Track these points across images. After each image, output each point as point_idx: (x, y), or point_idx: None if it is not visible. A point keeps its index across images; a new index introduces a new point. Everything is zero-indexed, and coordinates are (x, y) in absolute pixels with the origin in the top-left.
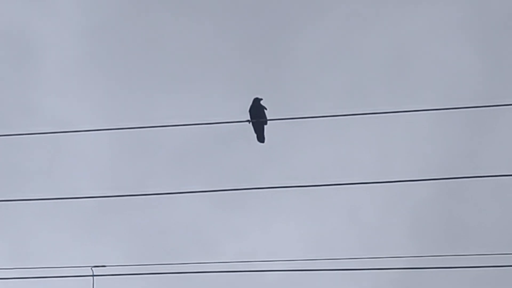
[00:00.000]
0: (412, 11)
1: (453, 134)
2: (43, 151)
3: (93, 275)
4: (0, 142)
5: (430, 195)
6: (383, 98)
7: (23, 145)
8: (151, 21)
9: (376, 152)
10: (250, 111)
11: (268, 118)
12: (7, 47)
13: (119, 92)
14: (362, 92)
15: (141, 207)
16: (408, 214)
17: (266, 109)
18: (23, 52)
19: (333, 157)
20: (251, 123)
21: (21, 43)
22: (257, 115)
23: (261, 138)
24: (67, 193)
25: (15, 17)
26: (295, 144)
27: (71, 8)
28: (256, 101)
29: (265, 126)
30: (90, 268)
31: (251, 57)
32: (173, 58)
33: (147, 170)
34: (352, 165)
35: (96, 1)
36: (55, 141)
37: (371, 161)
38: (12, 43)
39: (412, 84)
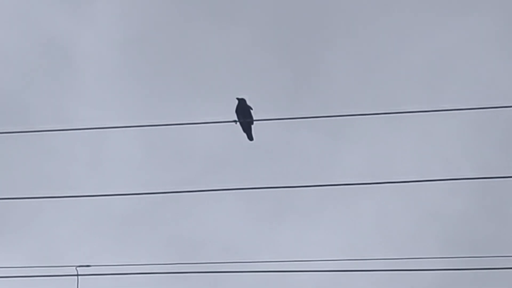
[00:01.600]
0: (448, 24)
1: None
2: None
3: (77, 275)
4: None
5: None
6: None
7: (59, 153)
8: (187, 32)
9: (413, 157)
10: (236, 111)
11: (254, 118)
12: (45, 57)
13: (156, 103)
14: (396, 105)
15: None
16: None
17: (252, 109)
18: (62, 62)
19: (373, 160)
20: (238, 123)
21: (59, 53)
22: (244, 115)
23: (250, 136)
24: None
25: (54, 28)
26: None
27: (109, 20)
28: (242, 101)
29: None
30: (74, 267)
31: (285, 66)
32: (210, 69)
33: (182, 179)
34: (386, 170)
35: (133, 13)
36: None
37: (407, 166)
38: (50, 53)
39: (448, 98)
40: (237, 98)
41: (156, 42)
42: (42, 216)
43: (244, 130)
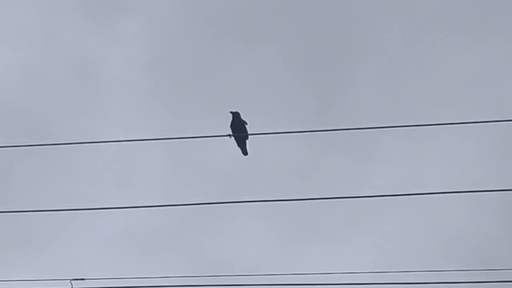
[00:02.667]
0: (479, 41)
1: None
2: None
3: None
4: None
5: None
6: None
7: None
8: (213, 52)
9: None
10: (231, 126)
11: (248, 132)
12: (72, 77)
13: (182, 123)
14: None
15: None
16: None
17: (246, 123)
18: (88, 82)
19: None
20: (233, 137)
21: (86, 73)
22: (239, 130)
23: (244, 151)
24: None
25: (81, 48)
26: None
27: (135, 40)
28: (236, 115)
29: (246, 141)
30: (69, 281)
31: (310, 84)
32: (236, 88)
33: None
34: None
35: (159, 33)
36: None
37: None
38: (77, 73)
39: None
40: (231, 112)
41: (182, 62)
42: (65, 231)
43: (239, 145)
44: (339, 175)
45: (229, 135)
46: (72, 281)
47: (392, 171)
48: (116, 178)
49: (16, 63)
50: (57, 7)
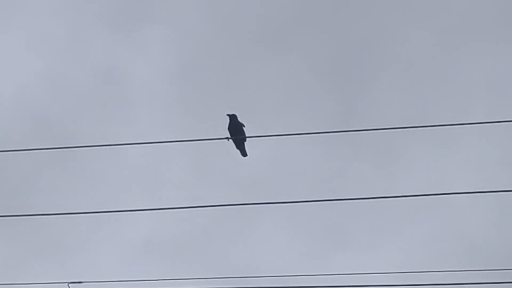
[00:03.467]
0: (509, 42)
1: None
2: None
3: None
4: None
5: None
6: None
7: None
8: (237, 60)
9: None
10: (229, 128)
11: (246, 134)
12: (98, 86)
13: (206, 130)
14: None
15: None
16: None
17: (244, 126)
18: (114, 91)
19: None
20: (231, 140)
21: (111, 82)
22: (236, 132)
23: (243, 153)
24: None
25: (106, 57)
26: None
27: (160, 48)
28: (234, 118)
29: (244, 143)
30: (66, 284)
31: (336, 88)
32: (262, 95)
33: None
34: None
35: (184, 41)
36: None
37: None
38: (103, 82)
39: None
40: (228, 115)
41: (207, 69)
42: (92, 237)
43: (237, 147)
44: (363, 180)
45: (227, 137)
46: (69, 284)
47: (417, 175)
48: (141, 185)
49: (43, 71)
50: (83, 16)
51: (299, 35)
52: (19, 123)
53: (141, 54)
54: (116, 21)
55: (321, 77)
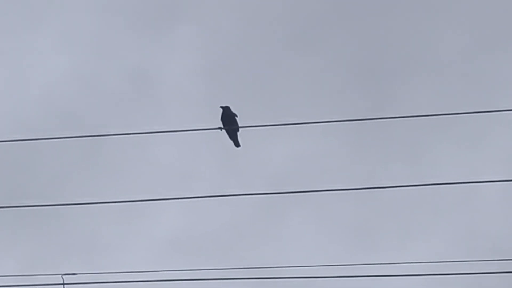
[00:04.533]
0: None
1: None
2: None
3: (63, 283)
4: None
5: None
6: None
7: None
8: (266, 58)
9: None
10: (222, 119)
11: (239, 125)
12: (128, 85)
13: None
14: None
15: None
16: None
17: (237, 116)
18: (143, 90)
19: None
20: (224, 130)
21: (141, 81)
22: (229, 123)
23: (236, 143)
24: None
25: (136, 56)
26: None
27: (189, 48)
28: (227, 109)
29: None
30: (60, 276)
31: (368, 90)
32: (291, 94)
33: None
34: None
35: (213, 40)
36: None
37: None
38: (132, 81)
39: None
40: (221, 107)
41: (237, 69)
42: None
43: (230, 137)
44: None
45: (220, 128)
46: (63, 276)
47: (446, 169)
48: (170, 181)
49: (73, 70)
50: (114, 15)
51: (330, 34)
52: (49, 119)
53: (170, 53)
54: (147, 21)
55: (351, 76)
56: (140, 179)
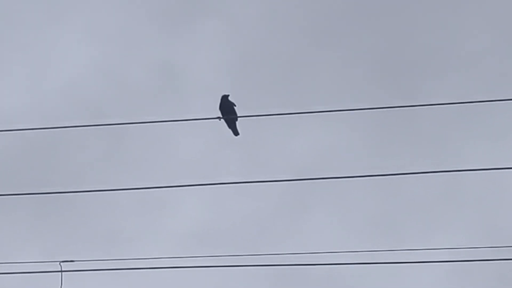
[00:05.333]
0: None
1: None
2: None
3: (61, 271)
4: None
5: None
6: None
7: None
8: (292, 53)
9: None
10: (220, 108)
11: (238, 114)
12: (153, 79)
13: (261, 125)
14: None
15: None
16: None
17: (235, 105)
18: (169, 84)
19: None
20: (222, 120)
21: (167, 75)
22: (228, 112)
23: (235, 132)
24: None
25: (162, 50)
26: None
27: (215, 41)
28: (225, 98)
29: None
30: (58, 263)
31: (393, 88)
32: (316, 88)
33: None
34: None
35: (240, 34)
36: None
37: None
38: (158, 75)
39: None
40: (223, 95)
41: (263, 63)
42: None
43: (229, 126)
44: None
45: (218, 117)
46: (61, 263)
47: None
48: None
49: (98, 64)
50: (138, 8)
51: (356, 29)
52: (74, 112)
53: (195, 47)
54: (172, 14)
55: (375, 71)
56: (162, 170)
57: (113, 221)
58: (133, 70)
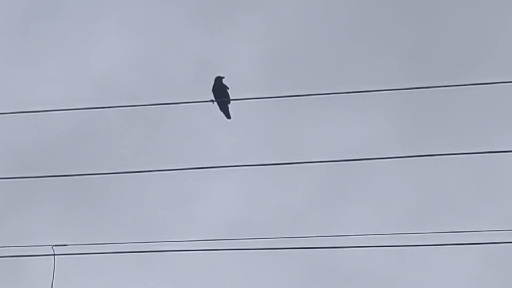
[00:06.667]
0: None
1: None
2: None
3: (54, 254)
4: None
5: None
6: None
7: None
8: (330, 51)
9: None
10: (213, 91)
11: (231, 97)
12: (190, 74)
13: (296, 121)
14: None
15: None
16: None
17: (228, 88)
18: (204, 80)
19: None
20: (215, 103)
21: (203, 70)
22: (220, 95)
23: (227, 115)
24: None
25: (198, 46)
26: None
27: (252, 38)
28: (218, 80)
29: (228, 105)
30: (51, 247)
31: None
32: (353, 87)
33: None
34: None
35: (276, 31)
36: None
37: None
38: (194, 70)
39: None
40: (217, 77)
41: (300, 60)
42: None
43: (221, 109)
44: None
45: (211, 100)
46: (54, 247)
47: None
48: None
49: (135, 58)
50: (176, 2)
51: (396, 26)
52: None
53: (232, 42)
54: (209, 9)
55: (413, 71)
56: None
57: (145, 210)
58: (170, 64)
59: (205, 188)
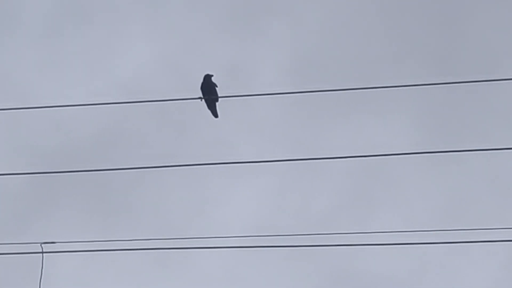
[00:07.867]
0: None
1: None
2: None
3: (42, 252)
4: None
5: None
6: None
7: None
8: (356, 54)
9: None
10: (201, 88)
11: (219, 95)
12: (219, 79)
13: (322, 127)
14: None
15: None
16: None
17: (217, 86)
18: (233, 84)
19: None
20: (203, 100)
21: (231, 75)
22: (209, 92)
23: (214, 113)
24: None
25: (227, 50)
26: None
27: (281, 44)
28: (207, 77)
29: (216, 103)
30: (39, 244)
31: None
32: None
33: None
34: None
35: (305, 36)
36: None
37: None
38: (223, 75)
39: None
40: (207, 75)
41: (328, 65)
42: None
43: (209, 107)
44: None
45: (199, 97)
46: (42, 245)
47: None
48: None
49: (162, 61)
50: (205, 7)
51: (423, 30)
52: (136, 107)
53: (260, 47)
54: (237, 14)
55: (445, 71)
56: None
57: (168, 213)
58: (198, 68)
59: (229, 191)
